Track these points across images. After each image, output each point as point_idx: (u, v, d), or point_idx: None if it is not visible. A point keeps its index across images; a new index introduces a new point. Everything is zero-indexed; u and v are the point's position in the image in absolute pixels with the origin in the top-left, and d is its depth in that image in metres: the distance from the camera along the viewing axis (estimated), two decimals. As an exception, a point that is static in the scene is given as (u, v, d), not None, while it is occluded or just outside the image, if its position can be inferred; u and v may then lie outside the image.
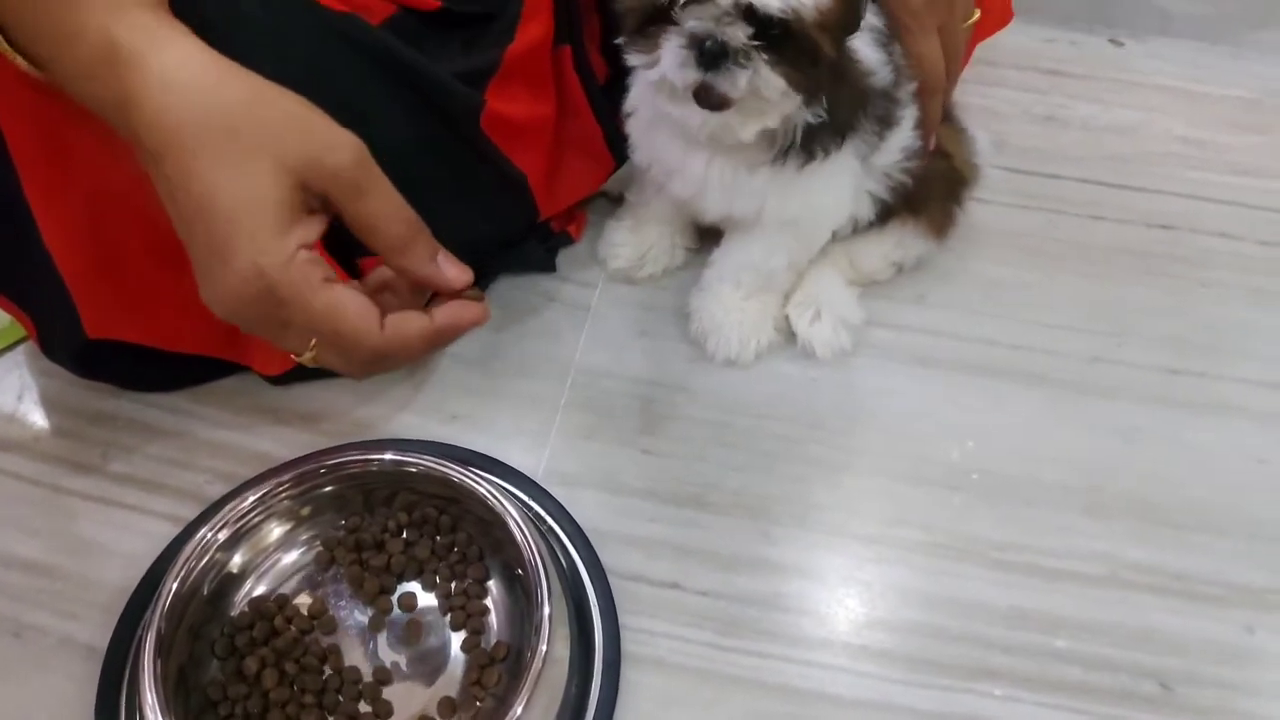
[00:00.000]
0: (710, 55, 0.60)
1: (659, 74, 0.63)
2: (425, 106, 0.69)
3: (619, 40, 0.67)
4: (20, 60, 0.54)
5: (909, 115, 0.75)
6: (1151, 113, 1.05)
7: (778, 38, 0.60)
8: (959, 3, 0.75)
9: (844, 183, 0.75)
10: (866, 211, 0.80)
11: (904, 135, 0.75)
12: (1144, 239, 0.93)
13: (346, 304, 0.53)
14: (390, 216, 0.54)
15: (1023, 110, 1.04)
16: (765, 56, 0.60)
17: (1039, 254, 0.91)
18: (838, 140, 0.69)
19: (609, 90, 0.83)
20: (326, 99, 0.63)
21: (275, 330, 0.55)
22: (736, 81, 0.61)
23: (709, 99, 0.63)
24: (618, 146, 0.84)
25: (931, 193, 0.82)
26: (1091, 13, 1.16)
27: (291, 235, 0.52)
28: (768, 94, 0.62)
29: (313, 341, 0.55)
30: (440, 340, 0.59)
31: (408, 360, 0.60)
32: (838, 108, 0.67)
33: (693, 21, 0.60)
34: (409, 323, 0.57)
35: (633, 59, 0.66)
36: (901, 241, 0.85)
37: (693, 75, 0.61)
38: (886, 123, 0.73)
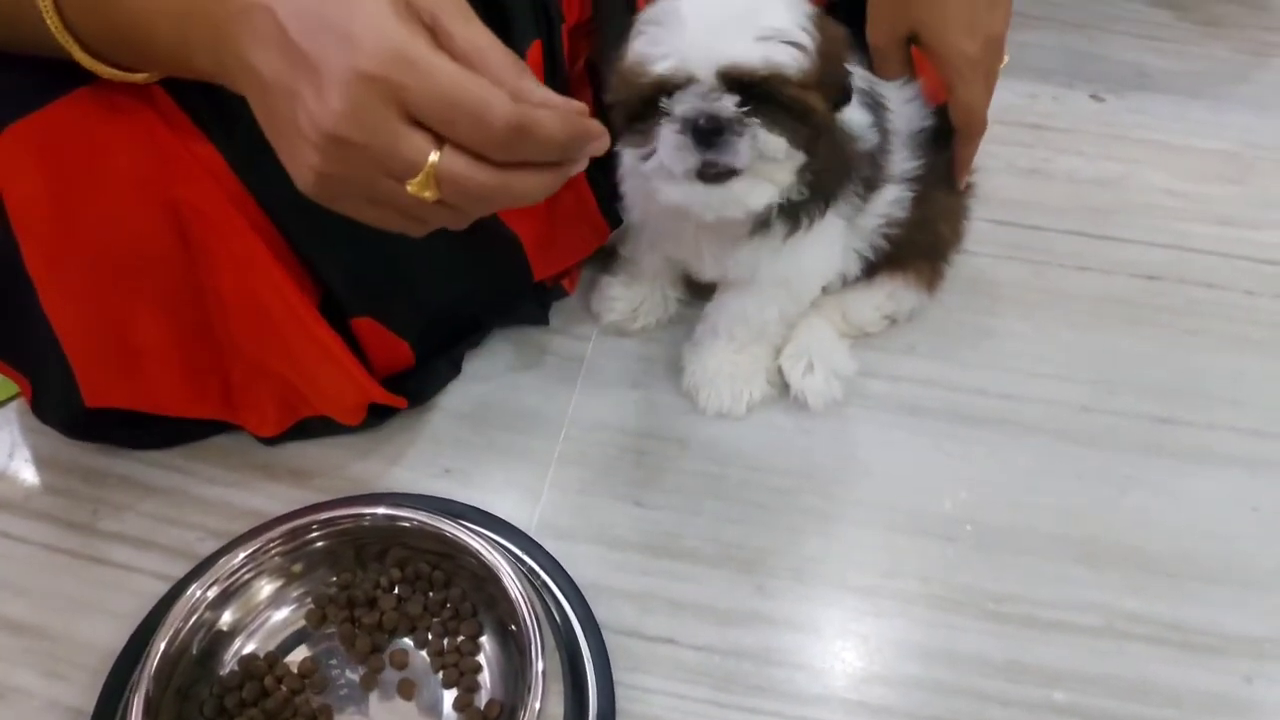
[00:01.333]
0: (706, 133, 0.60)
1: (657, 163, 0.64)
2: None
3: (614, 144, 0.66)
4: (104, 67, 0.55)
5: (895, 180, 0.76)
6: (1134, 165, 1.07)
7: (766, 101, 0.61)
8: (1002, 47, 0.77)
9: (832, 242, 0.77)
10: (854, 268, 0.82)
11: (886, 199, 0.77)
12: (1130, 289, 0.94)
13: (464, 70, 0.46)
14: (495, 41, 0.49)
15: (1007, 163, 1.06)
16: (758, 120, 0.61)
17: (1027, 304, 0.92)
18: (821, 208, 0.70)
19: (603, 155, 0.84)
20: None
21: (393, 134, 0.46)
22: (738, 151, 0.61)
23: (713, 173, 0.63)
24: (612, 213, 0.85)
25: (917, 251, 0.83)
26: (1071, 69, 1.19)
27: (407, 19, 0.47)
28: (773, 154, 0.62)
29: (432, 154, 0.46)
30: (573, 130, 0.48)
31: (540, 163, 0.49)
32: (823, 177, 0.68)
33: (682, 106, 0.61)
34: (537, 92, 0.48)
35: (629, 155, 0.66)
36: (892, 294, 0.86)
37: (693, 158, 0.62)
38: (871, 185, 0.74)
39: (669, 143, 0.62)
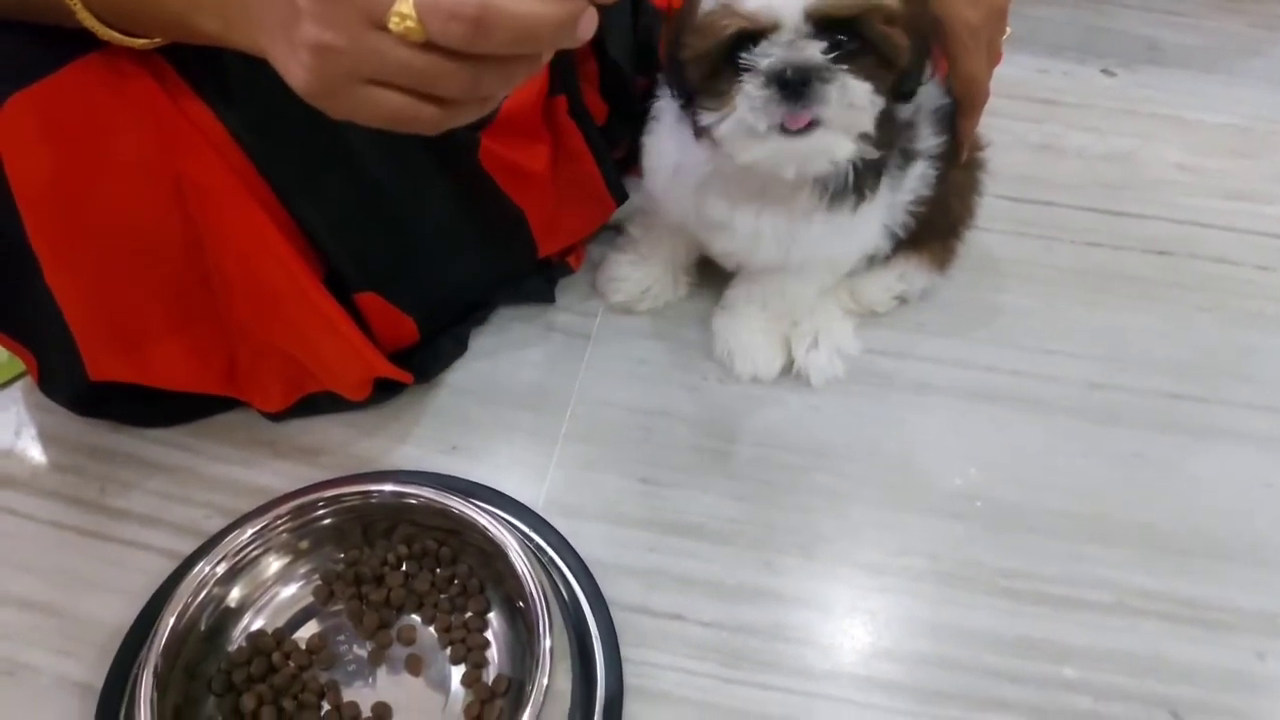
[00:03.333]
0: (794, 85, 0.58)
1: (736, 121, 0.61)
2: (419, 145, 0.69)
3: (688, 104, 0.64)
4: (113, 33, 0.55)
5: (922, 157, 0.75)
6: (1146, 140, 1.06)
7: (852, 48, 0.59)
8: (1004, 18, 0.76)
9: (879, 218, 0.75)
10: (886, 246, 0.80)
11: (916, 175, 0.76)
12: (1141, 265, 0.93)
13: None
14: None
15: (1018, 139, 1.05)
16: (845, 67, 0.59)
17: (1037, 281, 0.92)
18: (875, 178, 0.69)
19: (609, 130, 0.83)
20: (318, 136, 0.63)
21: None
22: (827, 99, 0.59)
23: (795, 125, 0.61)
24: (617, 188, 0.84)
25: (932, 229, 0.82)
26: (1082, 44, 1.17)
27: None
28: (858, 102, 0.60)
29: None
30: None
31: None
32: (882, 139, 0.66)
33: (766, 59, 0.58)
34: None
35: (706, 117, 0.63)
36: (903, 274, 0.86)
37: (778, 111, 0.59)
38: (908, 156, 0.74)
39: (751, 99, 0.60)
